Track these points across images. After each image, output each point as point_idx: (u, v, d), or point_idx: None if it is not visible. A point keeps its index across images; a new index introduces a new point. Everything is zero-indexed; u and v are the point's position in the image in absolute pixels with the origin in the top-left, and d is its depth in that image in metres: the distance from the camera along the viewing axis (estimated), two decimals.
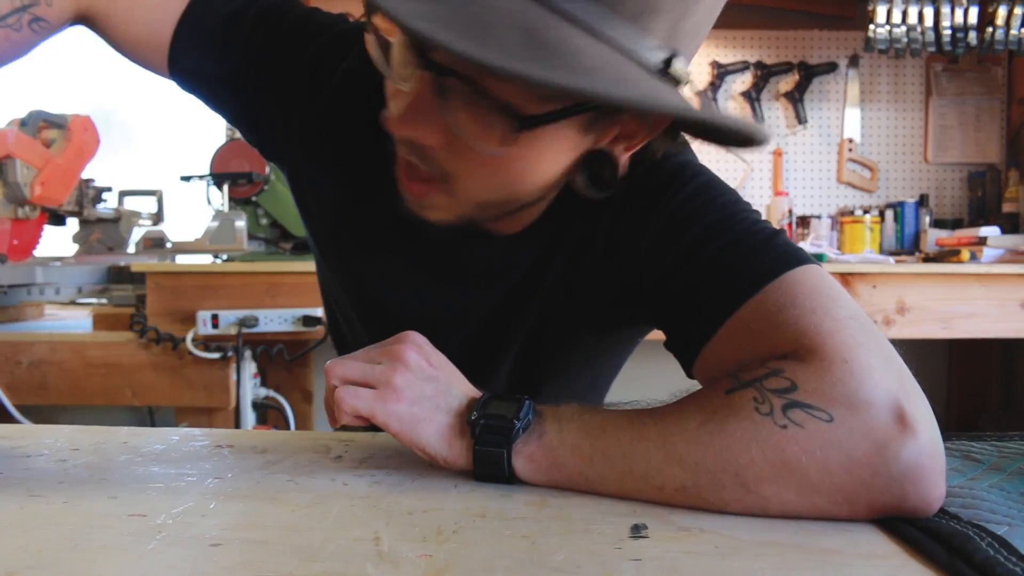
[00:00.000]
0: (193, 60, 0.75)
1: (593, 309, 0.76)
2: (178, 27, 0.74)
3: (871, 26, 2.60)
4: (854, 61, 2.91)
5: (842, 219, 2.78)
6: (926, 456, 0.51)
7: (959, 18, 2.57)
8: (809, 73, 2.90)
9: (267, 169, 2.45)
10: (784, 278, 0.61)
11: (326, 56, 0.75)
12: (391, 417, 0.58)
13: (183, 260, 2.27)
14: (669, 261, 0.67)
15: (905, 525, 0.48)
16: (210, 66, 0.76)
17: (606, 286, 0.74)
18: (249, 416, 2.05)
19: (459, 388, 0.61)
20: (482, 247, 0.75)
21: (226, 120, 0.85)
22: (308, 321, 2.00)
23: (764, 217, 0.70)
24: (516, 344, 0.79)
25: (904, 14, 2.58)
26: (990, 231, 2.35)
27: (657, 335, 0.75)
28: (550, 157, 0.61)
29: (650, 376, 0.69)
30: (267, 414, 2.21)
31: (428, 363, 0.61)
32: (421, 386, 0.59)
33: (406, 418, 0.58)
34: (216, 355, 1.98)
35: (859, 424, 0.51)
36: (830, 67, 2.90)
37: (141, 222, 2.49)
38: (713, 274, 0.64)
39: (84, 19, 0.77)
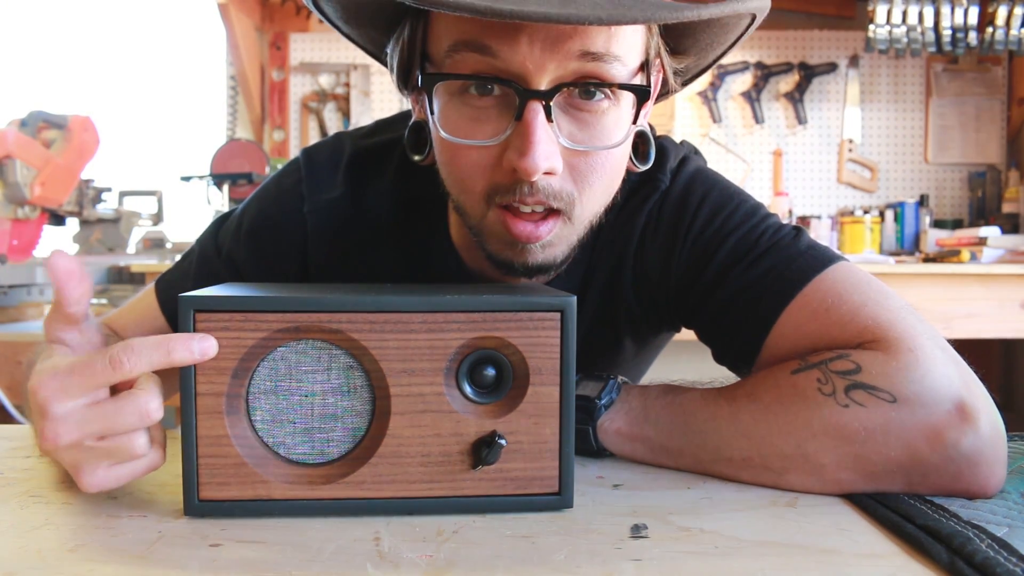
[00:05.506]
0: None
1: (629, 330, 0.79)
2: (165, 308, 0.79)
3: (871, 26, 2.59)
4: (854, 61, 2.91)
5: (842, 219, 2.78)
6: (987, 446, 0.53)
7: (959, 18, 2.57)
8: (809, 73, 2.90)
9: (267, 169, 2.45)
10: (822, 278, 0.63)
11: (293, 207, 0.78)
12: None
13: None
14: (701, 288, 0.69)
15: (906, 524, 0.48)
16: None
17: (641, 312, 0.76)
18: None
19: None
20: None
21: None
22: None
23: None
24: None
25: (904, 14, 2.58)
26: (990, 231, 2.34)
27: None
28: (627, 143, 0.64)
29: (678, 373, 0.72)
30: None
31: None
32: None
33: None
34: None
35: (922, 411, 0.53)
36: (830, 67, 2.90)
37: (141, 222, 2.49)
38: (749, 290, 0.66)
39: None
